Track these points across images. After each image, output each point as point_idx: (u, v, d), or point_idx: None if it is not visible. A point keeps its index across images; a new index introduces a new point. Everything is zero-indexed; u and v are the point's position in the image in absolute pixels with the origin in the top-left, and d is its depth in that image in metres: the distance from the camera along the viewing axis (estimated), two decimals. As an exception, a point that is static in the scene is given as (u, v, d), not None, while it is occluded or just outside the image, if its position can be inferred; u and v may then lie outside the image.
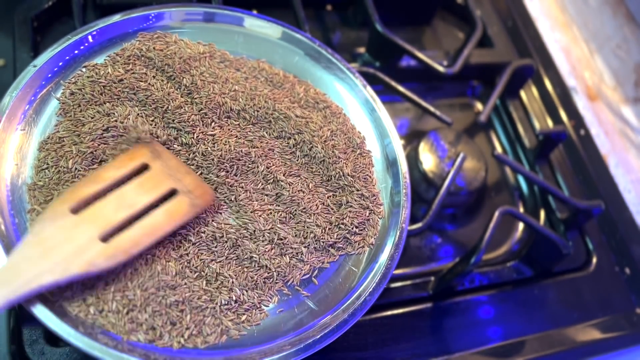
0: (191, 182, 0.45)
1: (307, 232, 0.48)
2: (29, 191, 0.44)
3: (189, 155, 0.48)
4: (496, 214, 0.57)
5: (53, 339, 0.46)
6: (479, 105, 0.74)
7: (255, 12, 0.59)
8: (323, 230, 0.48)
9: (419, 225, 0.56)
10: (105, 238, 0.41)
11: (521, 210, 0.68)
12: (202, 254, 0.45)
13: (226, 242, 0.46)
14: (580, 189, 0.70)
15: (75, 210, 0.41)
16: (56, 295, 0.40)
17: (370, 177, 0.52)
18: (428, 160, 0.62)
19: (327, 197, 0.50)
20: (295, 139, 0.51)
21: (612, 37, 0.81)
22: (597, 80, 0.82)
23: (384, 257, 0.48)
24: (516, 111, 0.72)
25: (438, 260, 0.61)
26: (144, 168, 0.45)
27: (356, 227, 0.49)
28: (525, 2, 0.83)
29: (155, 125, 0.48)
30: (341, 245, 0.48)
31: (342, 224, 0.48)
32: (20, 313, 0.46)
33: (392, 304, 0.56)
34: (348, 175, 0.50)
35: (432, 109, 0.63)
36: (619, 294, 0.64)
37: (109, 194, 0.43)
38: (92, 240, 0.40)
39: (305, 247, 0.47)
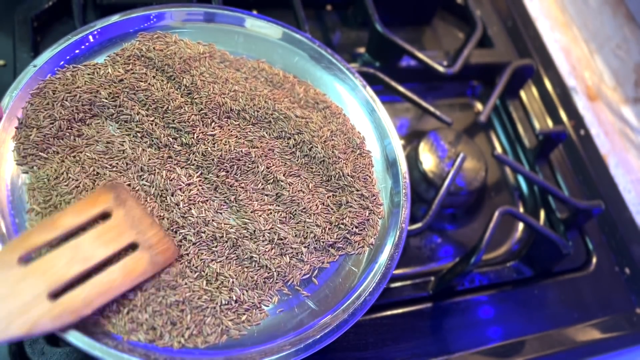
0: (154, 236, 0.42)
1: (307, 232, 0.48)
2: (28, 191, 0.44)
3: (189, 155, 0.48)
4: (496, 214, 0.57)
5: (53, 339, 0.46)
6: (479, 105, 0.74)
7: (255, 12, 0.59)
8: (323, 230, 0.48)
9: (419, 225, 0.56)
10: (55, 294, 0.37)
11: (521, 210, 0.68)
12: (202, 253, 0.45)
13: (226, 242, 0.46)
14: (580, 189, 0.70)
15: (25, 259, 0.38)
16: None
17: (370, 177, 0.52)
18: (428, 160, 0.62)
19: (327, 197, 0.50)
20: (295, 139, 0.51)
21: (612, 37, 0.81)
22: (597, 81, 0.82)
23: (383, 257, 0.48)
24: (516, 111, 0.72)
25: (438, 260, 0.61)
26: (104, 216, 0.42)
27: (356, 227, 0.49)
28: (525, 2, 0.83)
29: (156, 125, 0.48)
30: (341, 245, 0.48)
31: (342, 224, 0.48)
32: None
33: (392, 304, 0.56)
34: (348, 175, 0.50)
35: (432, 109, 0.63)
36: (618, 294, 0.64)
37: (63, 243, 0.39)
38: (39, 297, 0.37)
39: (305, 247, 0.47)
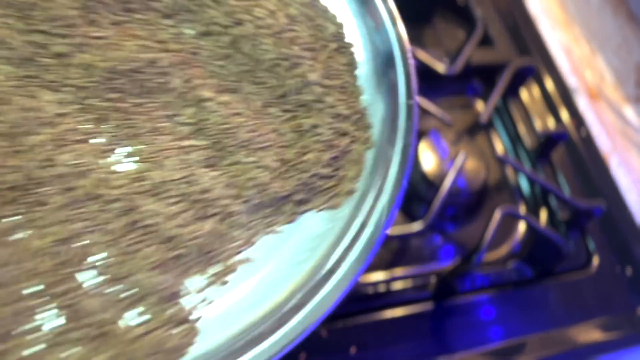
0: None
1: (246, 180, 0.31)
2: None
3: (63, 71, 0.31)
4: (497, 214, 0.56)
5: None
6: (479, 105, 0.74)
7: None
8: (273, 174, 0.31)
9: (420, 226, 0.56)
10: None
11: (522, 210, 0.68)
12: (72, 223, 0.28)
13: (113, 202, 0.29)
14: (582, 189, 0.69)
15: None
16: None
17: (351, 85, 0.35)
18: (428, 160, 0.62)
19: (281, 122, 0.33)
20: (231, 34, 0.33)
21: (613, 37, 0.81)
22: (598, 80, 0.82)
23: (380, 203, 0.32)
24: (517, 111, 0.72)
25: (439, 260, 0.61)
26: None
27: (328, 166, 0.32)
28: (526, 1, 0.82)
29: (13, 29, 0.30)
30: (304, 197, 0.32)
31: (304, 161, 0.32)
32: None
33: (392, 305, 0.56)
34: (316, 84, 0.33)
35: (432, 108, 0.63)
36: (620, 294, 0.64)
37: None
38: None
39: (243, 202, 0.30)
